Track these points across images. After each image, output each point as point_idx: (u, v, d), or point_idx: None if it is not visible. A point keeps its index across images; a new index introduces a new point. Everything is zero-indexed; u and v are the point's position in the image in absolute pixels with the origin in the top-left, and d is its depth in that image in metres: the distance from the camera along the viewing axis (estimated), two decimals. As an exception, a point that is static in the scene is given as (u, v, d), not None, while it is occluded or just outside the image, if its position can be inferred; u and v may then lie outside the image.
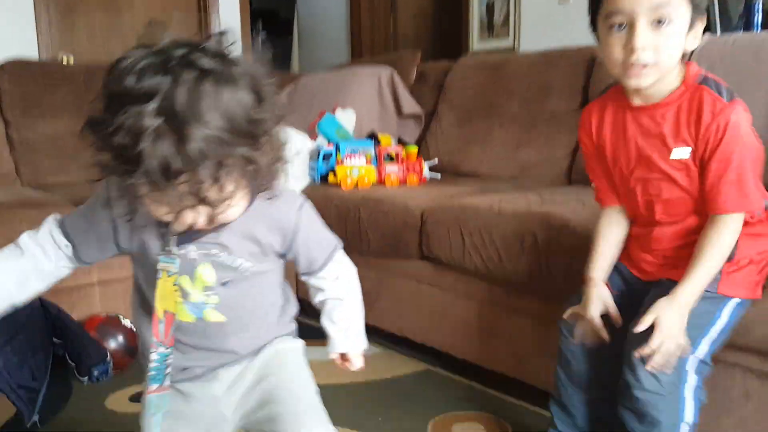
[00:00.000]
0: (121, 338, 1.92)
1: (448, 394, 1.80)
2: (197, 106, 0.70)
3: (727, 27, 2.83)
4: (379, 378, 1.89)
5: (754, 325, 1.21)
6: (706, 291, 1.13)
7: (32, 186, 2.50)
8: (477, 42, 3.41)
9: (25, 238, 0.92)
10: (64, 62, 3.10)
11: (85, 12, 3.25)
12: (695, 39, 1.11)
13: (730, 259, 1.14)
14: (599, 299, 1.24)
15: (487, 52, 3.24)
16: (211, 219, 0.79)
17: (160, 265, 0.88)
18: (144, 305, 0.95)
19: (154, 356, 0.89)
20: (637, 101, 1.17)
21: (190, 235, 0.87)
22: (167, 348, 0.90)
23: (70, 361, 1.78)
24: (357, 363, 1.03)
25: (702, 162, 1.13)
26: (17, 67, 2.67)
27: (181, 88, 0.69)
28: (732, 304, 1.16)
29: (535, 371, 1.70)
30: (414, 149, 2.54)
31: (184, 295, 0.91)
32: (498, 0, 3.27)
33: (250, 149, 0.75)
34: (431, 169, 2.49)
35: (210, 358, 0.96)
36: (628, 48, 1.07)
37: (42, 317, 1.77)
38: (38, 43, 3.07)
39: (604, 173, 1.29)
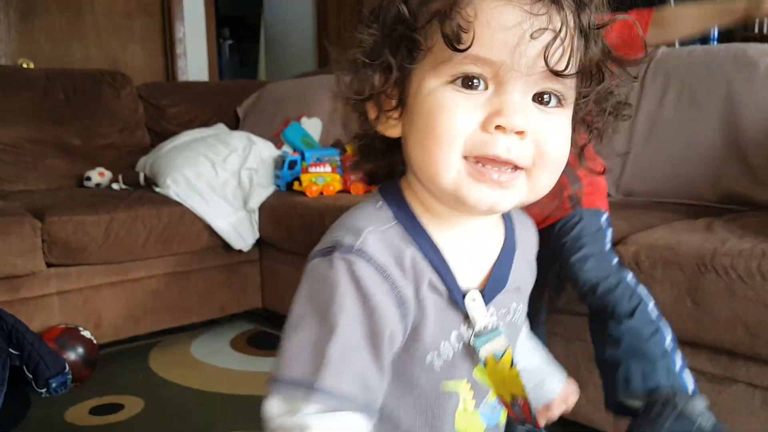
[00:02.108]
0: (80, 350, 1.89)
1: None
2: None
3: (684, 40, 2.91)
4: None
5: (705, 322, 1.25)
6: (579, 210, 1.25)
7: (-11, 194, 2.45)
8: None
9: None
10: (24, 67, 3.04)
11: (45, 15, 3.19)
12: None
13: (581, 186, 1.25)
14: None
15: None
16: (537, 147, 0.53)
17: (483, 351, 0.58)
18: None
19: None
20: None
21: (496, 282, 0.61)
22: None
23: (27, 373, 1.74)
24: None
25: None
26: (-26, 72, 2.61)
27: None
28: (604, 216, 1.28)
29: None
30: (379, 157, 2.55)
31: (479, 395, 0.62)
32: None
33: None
34: (396, 177, 2.50)
35: None
36: None
37: (-2, 328, 1.73)
38: (-4, 48, 3.01)
39: None
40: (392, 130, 0.58)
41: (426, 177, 0.54)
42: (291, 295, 2.38)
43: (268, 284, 2.43)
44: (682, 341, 1.32)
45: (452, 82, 0.51)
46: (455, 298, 0.57)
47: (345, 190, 2.36)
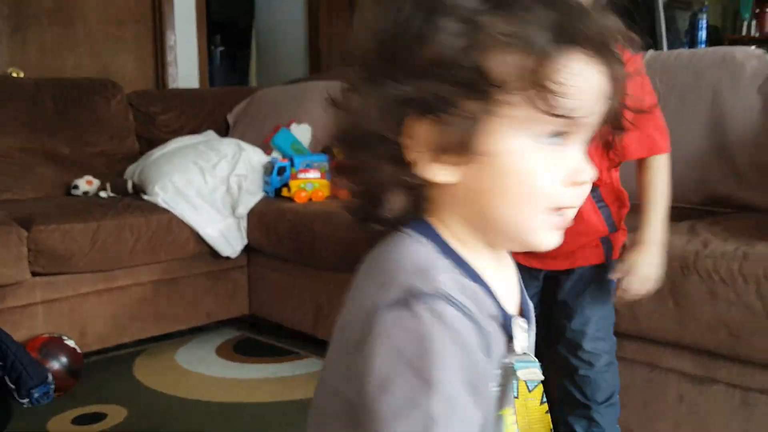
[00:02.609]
0: (64, 359, 1.87)
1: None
2: None
3: (674, 43, 2.92)
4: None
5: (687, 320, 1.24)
6: (608, 263, 1.21)
7: (-23, 203, 2.44)
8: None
9: None
10: (14, 76, 3.04)
11: (37, 25, 3.19)
12: None
13: (616, 230, 1.22)
14: None
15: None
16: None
17: (521, 374, 0.58)
18: None
19: None
20: None
21: (527, 308, 0.63)
22: None
23: (9, 383, 1.72)
24: None
25: None
26: (-37, 82, 2.61)
27: None
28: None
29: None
30: (368, 163, 2.54)
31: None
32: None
33: None
34: (385, 182, 2.49)
35: None
36: None
37: (-19, 338, 1.72)
38: (-13, 58, 3.00)
39: None
40: (442, 175, 0.54)
41: (507, 230, 0.55)
42: (278, 301, 2.39)
43: (256, 290, 2.41)
44: (664, 342, 1.32)
45: (538, 138, 0.52)
46: (506, 323, 0.57)
47: (334, 196, 2.35)
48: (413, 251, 0.55)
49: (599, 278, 1.23)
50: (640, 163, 1.22)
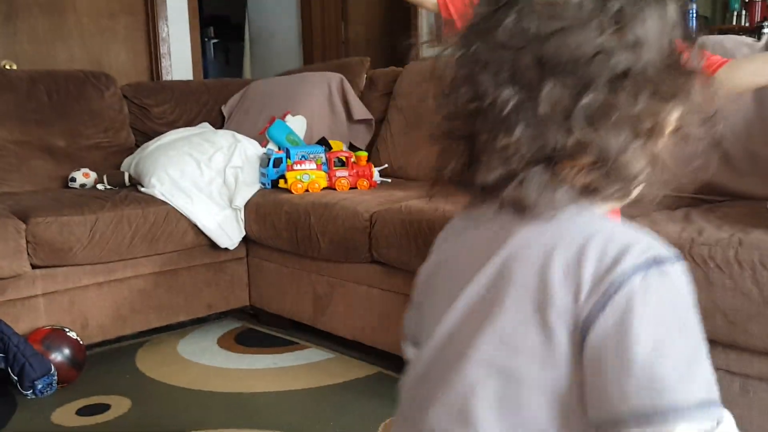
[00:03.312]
0: (67, 351, 1.88)
1: (400, 396, 1.82)
2: None
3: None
4: (331, 383, 1.91)
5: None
6: None
7: (-28, 197, 2.43)
8: (426, 49, 3.46)
9: None
10: (7, 69, 3.03)
11: (28, 17, 3.17)
12: None
13: None
14: None
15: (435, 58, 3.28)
16: None
17: None
18: None
19: None
20: None
21: None
22: None
23: (12, 376, 1.74)
24: None
25: None
26: (-45, 75, 2.59)
27: None
28: None
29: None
30: (364, 154, 2.55)
31: None
32: (446, 6, 3.33)
33: None
34: (381, 173, 2.52)
35: None
36: None
37: (-17, 331, 1.73)
38: (-22, 50, 2.98)
39: None
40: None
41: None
42: (278, 291, 2.40)
43: (255, 282, 2.43)
44: (662, 330, 1.34)
45: None
46: None
47: (330, 187, 2.37)
48: (598, 218, 0.56)
49: None
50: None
